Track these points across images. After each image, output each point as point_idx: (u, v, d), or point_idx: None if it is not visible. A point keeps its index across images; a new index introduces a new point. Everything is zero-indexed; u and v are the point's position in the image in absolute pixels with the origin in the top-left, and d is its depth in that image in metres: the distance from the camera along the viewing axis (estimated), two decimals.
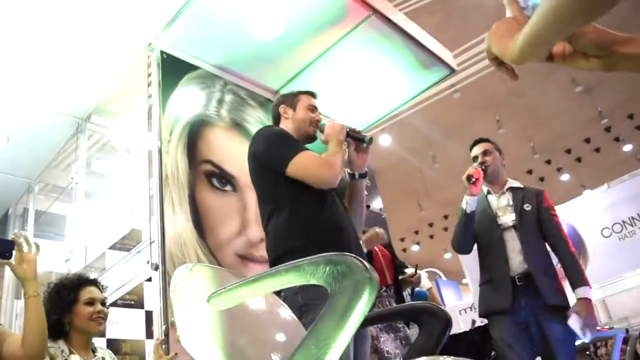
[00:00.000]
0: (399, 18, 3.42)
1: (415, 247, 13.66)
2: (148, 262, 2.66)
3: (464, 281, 9.50)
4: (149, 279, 2.73)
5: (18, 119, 3.71)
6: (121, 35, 3.19)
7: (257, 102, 3.67)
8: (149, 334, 4.16)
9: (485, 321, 2.79)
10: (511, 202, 2.74)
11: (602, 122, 9.86)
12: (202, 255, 2.83)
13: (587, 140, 10.71)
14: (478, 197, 2.74)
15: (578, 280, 2.54)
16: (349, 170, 2.21)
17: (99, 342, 2.64)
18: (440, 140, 9.75)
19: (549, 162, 11.07)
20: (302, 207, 1.88)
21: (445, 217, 11.95)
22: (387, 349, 2.89)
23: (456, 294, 10.33)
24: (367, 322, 1.64)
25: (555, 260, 2.68)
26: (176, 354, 2.27)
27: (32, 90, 3.51)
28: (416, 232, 13.20)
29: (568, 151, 10.91)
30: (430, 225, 12.78)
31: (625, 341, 3.31)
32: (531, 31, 0.60)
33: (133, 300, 4.30)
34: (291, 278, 0.85)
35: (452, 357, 1.08)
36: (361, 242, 2.24)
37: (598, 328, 2.73)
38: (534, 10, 0.68)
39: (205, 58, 3.47)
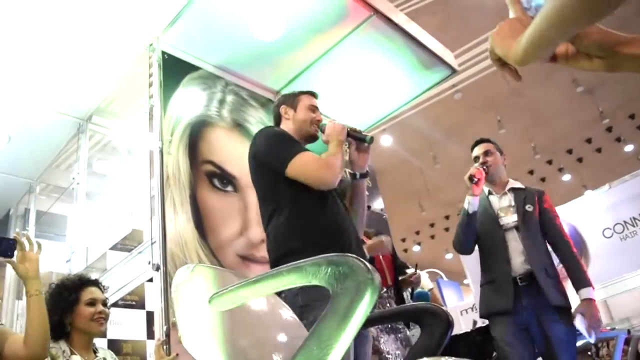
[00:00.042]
0: (400, 18, 3.41)
1: (416, 248, 13.65)
2: (149, 263, 2.66)
3: (465, 282, 9.50)
4: (150, 280, 2.73)
5: (19, 119, 3.71)
6: (122, 35, 3.20)
7: (258, 102, 3.68)
8: (150, 335, 4.16)
9: (487, 322, 2.79)
10: (513, 203, 2.74)
11: (603, 123, 9.85)
12: (204, 256, 2.83)
13: (589, 141, 10.70)
14: (479, 198, 2.74)
15: (582, 281, 2.56)
16: (350, 170, 2.21)
17: (100, 343, 2.64)
18: (441, 140, 9.74)
19: (550, 162, 11.06)
20: (303, 207, 1.88)
21: (447, 217, 11.94)
22: (388, 349, 2.89)
23: (457, 294, 10.33)
24: (369, 322, 1.64)
25: (556, 260, 2.68)
26: (177, 354, 2.27)
27: (33, 91, 3.52)
28: (417, 233, 13.19)
29: (569, 151, 10.90)
30: (432, 225, 12.77)
31: (627, 342, 3.31)
32: (535, 32, 0.60)
33: (134, 301, 4.30)
34: (293, 279, 0.85)
35: (454, 357, 1.08)
36: (365, 248, 2.24)
37: (600, 329, 2.73)
38: (537, 10, 0.68)
39: (206, 58, 3.47)
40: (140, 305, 4.34)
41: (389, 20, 3.33)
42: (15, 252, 1.84)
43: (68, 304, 2.16)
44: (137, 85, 3.38)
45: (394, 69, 3.75)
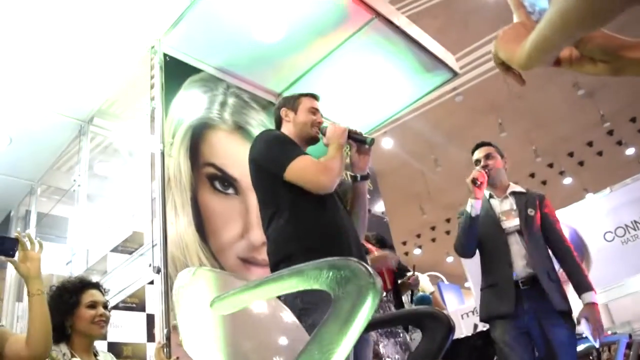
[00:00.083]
0: (402, 21, 3.42)
1: (417, 251, 13.64)
2: (150, 265, 2.65)
3: (466, 285, 9.49)
4: (151, 282, 2.73)
5: (21, 121, 3.72)
6: (124, 38, 3.20)
7: (259, 105, 3.68)
8: (151, 337, 4.16)
9: (488, 326, 2.78)
10: (514, 207, 2.74)
11: (604, 126, 9.84)
12: (204, 259, 2.82)
13: (590, 144, 10.70)
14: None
15: (584, 285, 2.57)
16: (350, 173, 2.20)
17: (101, 346, 2.64)
18: (442, 143, 9.74)
19: (551, 165, 11.06)
20: (302, 210, 1.88)
21: (448, 220, 11.92)
22: (388, 353, 2.88)
23: (458, 297, 10.31)
24: (370, 326, 1.63)
25: (556, 265, 2.68)
26: (178, 358, 2.27)
27: (34, 93, 3.52)
28: (418, 236, 13.18)
29: (570, 154, 10.90)
30: (433, 228, 12.76)
31: (628, 346, 3.30)
32: (539, 36, 0.60)
33: (134, 303, 4.30)
34: (294, 283, 0.85)
35: None
36: (368, 259, 2.22)
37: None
38: (540, 14, 0.68)
39: (208, 61, 3.47)
40: (141, 307, 4.33)
41: (390, 23, 3.33)
42: (17, 252, 1.85)
43: (69, 307, 2.16)
44: (139, 87, 3.38)
45: (396, 71, 3.75)
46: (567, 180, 11.60)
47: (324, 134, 2.07)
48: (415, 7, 6.77)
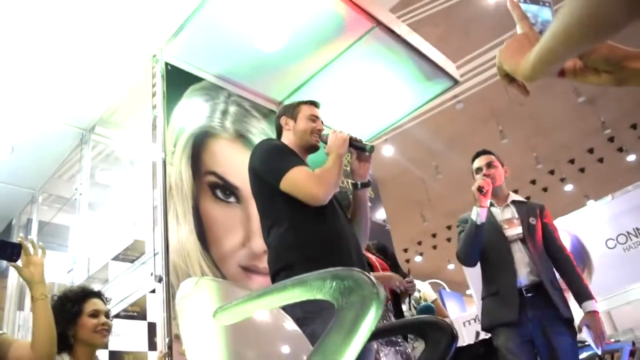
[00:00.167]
0: (402, 30, 3.43)
1: (418, 258, 13.62)
2: (152, 274, 2.65)
3: (467, 292, 9.45)
4: (153, 291, 2.73)
5: (22, 129, 3.72)
6: (126, 46, 3.21)
7: (260, 113, 3.69)
8: (152, 346, 4.15)
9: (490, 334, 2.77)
10: (516, 215, 2.74)
11: (605, 132, 9.85)
12: (206, 267, 2.82)
13: (591, 151, 10.70)
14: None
15: (584, 294, 2.58)
16: (351, 180, 2.20)
17: (102, 355, 2.63)
18: (443, 150, 9.75)
19: (552, 172, 11.06)
20: (301, 219, 1.87)
21: (449, 227, 11.91)
22: None
23: (460, 305, 10.27)
24: (372, 336, 1.63)
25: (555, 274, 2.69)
26: None
27: (36, 101, 3.53)
28: (419, 243, 13.16)
29: (571, 161, 10.90)
30: (434, 236, 12.75)
31: (632, 354, 3.29)
32: (543, 49, 0.61)
33: (136, 312, 4.29)
34: (297, 293, 0.85)
35: None
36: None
37: (605, 341, 2.74)
38: (543, 25, 0.68)
39: (209, 69, 3.49)
40: (142, 316, 4.32)
41: (391, 32, 3.35)
42: (20, 257, 1.86)
43: (71, 316, 2.15)
44: (140, 96, 3.39)
45: (397, 79, 3.76)
46: (568, 187, 11.60)
47: (324, 142, 2.05)
48: (416, 15, 6.80)
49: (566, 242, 2.77)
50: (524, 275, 2.59)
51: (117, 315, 3.59)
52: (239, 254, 3.02)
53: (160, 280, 2.60)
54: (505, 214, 2.77)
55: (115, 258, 4.20)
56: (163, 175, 2.88)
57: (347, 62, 3.54)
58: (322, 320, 1.57)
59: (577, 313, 2.59)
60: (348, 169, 2.16)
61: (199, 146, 3.17)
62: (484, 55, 7.62)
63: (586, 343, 2.70)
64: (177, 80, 3.27)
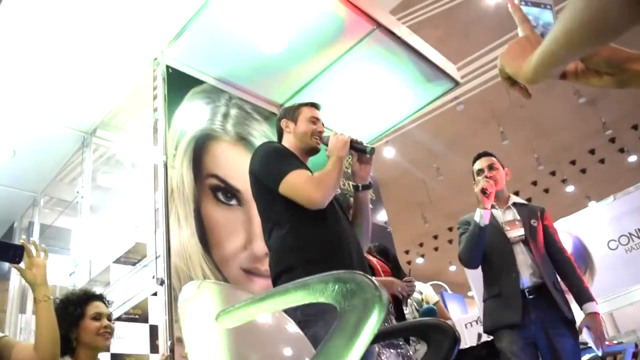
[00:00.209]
0: (403, 32, 3.43)
1: (419, 260, 13.60)
2: (153, 277, 2.65)
3: (469, 294, 9.44)
4: (154, 294, 2.73)
5: (24, 132, 3.73)
6: (127, 49, 3.22)
7: (262, 116, 3.69)
8: (154, 349, 4.14)
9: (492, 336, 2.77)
10: (518, 217, 2.73)
11: (606, 133, 9.85)
12: (208, 270, 2.82)
13: (592, 152, 10.70)
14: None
15: (585, 296, 2.59)
16: (352, 183, 2.19)
17: (104, 357, 2.63)
18: (444, 152, 9.75)
19: (553, 173, 11.06)
20: (301, 223, 1.86)
21: (450, 229, 11.91)
22: None
23: (461, 307, 10.25)
24: (375, 338, 1.63)
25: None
26: None
27: (38, 104, 3.54)
28: (421, 245, 13.16)
29: (573, 162, 10.90)
30: (435, 237, 12.74)
31: (635, 355, 3.28)
32: (545, 52, 0.61)
33: (137, 315, 4.28)
34: (300, 296, 0.85)
35: None
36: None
37: (607, 342, 2.74)
38: (544, 28, 0.68)
39: (210, 72, 3.49)
40: (144, 319, 4.31)
41: (391, 34, 3.35)
42: (23, 259, 1.86)
43: (74, 319, 2.15)
44: (142, 99, 3.40)
45: (397, 81, 3.76)
46: (570, 188, 11.59)
47: (325, 144, 2.04)
48: (416, 17, 6.81)
49: (568, 244, 2.77)
50: (526, 276, 2.58)
51: (119, 318, 3.59)
52: (240, 257, 3.02)
53: (162, 283, 2.60)
54: (507, 216, 2.77)
55: (117, 261, 4.19)
56: (164, 178, 2.88)
57: (347, 64, 3.54)
58: (325, 323, 1.57)
59: (578, 315, 2.59)
60: (349, 171, 2.16)
61: (200, 149, 3.17)
62: (484, 57, 7.63)
63: (588, 345, 2.69)
64: (178, 83, 3.28)
